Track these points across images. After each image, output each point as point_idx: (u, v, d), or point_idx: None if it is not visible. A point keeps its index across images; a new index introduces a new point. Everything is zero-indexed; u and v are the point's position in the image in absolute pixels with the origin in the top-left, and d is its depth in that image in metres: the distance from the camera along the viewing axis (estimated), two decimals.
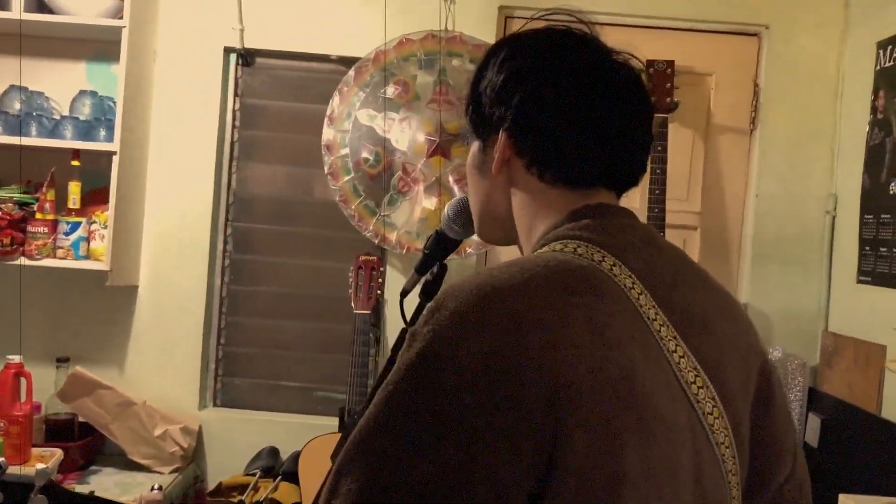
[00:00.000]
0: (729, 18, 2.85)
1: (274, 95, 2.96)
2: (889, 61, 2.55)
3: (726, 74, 2.87)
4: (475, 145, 0.99)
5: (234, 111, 2.96)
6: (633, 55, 0.97)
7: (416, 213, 2.76)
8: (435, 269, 1.36)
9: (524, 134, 0.90)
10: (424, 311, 0.77)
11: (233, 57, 2.95)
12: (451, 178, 2.76)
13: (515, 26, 2.88)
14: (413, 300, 1.32)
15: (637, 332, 0.79)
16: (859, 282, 2.63)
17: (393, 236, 2.76)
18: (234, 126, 2.96)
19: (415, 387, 0.73)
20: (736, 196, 2.90)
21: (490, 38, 2.82)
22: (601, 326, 0.76)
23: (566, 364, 0.72)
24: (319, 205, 2.95)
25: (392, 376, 0.75)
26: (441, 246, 1.34)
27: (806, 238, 2.85)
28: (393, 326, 2.89)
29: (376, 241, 2.78)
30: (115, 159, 2.62)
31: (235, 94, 2.96)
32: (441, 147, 2.73)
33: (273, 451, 2.84)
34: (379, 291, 2.74)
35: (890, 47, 2.55)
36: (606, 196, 0.93)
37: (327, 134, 2.78)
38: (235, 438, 2.87)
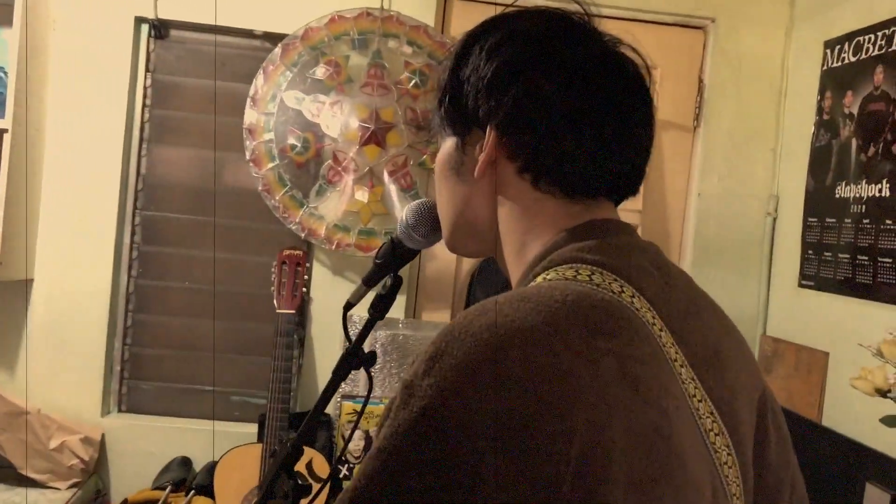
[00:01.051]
0: (675, 10, 2.76)
1: (190, 72, 2.70)
2: (836, 62, 2.50)
3: (671, 68, 2.77)
4: (450, 142, 0.87)
5: (144, 88, 2.69)
6: (634, 47, 0.85)
7: (347, 205, 2.56)
8: (388, 281, 1.19)
9: (519, 133, 0.79)
10: (421, 359, 0.65)
11: (144, 28, 2.67)
12: (385, 170, 2.57)
13: (456, 10, 2.71)
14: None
15: (665, 378, 0.69)
16: (801, 286, 2.58)
17: (321, 230, 2.56)
18: (144, 105, 2.69)
19: (418, 455, 0.60)
20: (678, 195, 2.82)
21: (429, 19, 2.64)
22: (635, 377, 0.65)
23: (599, 426, 0.61)
24: (239, 194, 2.72)
25: (384, 441, 0.62)
26: (396, 255, 1.17)
27: (746, 239, 2.79)
28: (319, 327, 2.69)
29: (303, 235, 2.57)
30: (7, 138, 2.34)
31: (147, 70, 2.69)
32: (376, 135, 2.54)
33: (185, 462, 2.61)
34: (304, 289, 2.53)
35: (838, 47, 2.49)
36: (608, 208, 0.84)
37: (250, 116, 2.55)
38: (143, 448, 2.62)
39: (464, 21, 2.75)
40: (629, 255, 0.77)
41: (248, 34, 2.68)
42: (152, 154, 2.71)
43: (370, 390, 1.35)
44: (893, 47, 2.23)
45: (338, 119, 2.55)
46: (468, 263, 2.75)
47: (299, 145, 2.55)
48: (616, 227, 0.81)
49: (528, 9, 0.87)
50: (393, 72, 2.58)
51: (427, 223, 1.09)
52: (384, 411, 0.67)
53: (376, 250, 1.21)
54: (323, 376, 2.69)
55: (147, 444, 2.62)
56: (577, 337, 0.64)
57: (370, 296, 1.25)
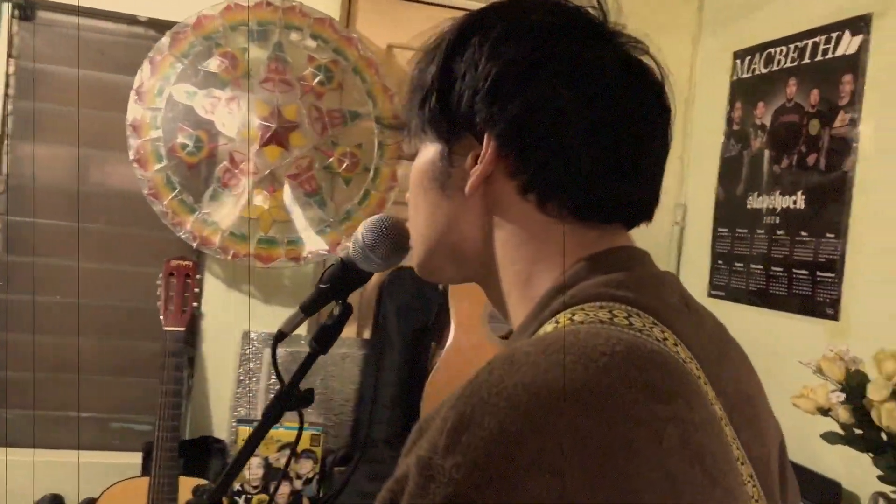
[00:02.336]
0: None
1: (63, 60, 2.40)
2: (747, 72, 2.51)
3: None
4: (433, 149, 0.75)
5: (7, 76, 2.37)
6: (652, 55, 0.75)
7: (244, 211, 2.34)
8: (335, 310, 1.02)
9: (526, 147, 0.69)
10: (439, 428, 0.52)
11: (6, 7, 2.35)
12: (287, 173, 2.37)
13: (362, 2, 2.55)
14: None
15: (723, 448, 0.59)
16: (711, 296, 2.58)
17: (215, 238, 2.33)
18: (6, 95, 2.37)
19: None
20: None
21: (334, 12, 2.46)
22: (699, 450, 0.55)
23: None
24: (121, 197, 2.44)
25: None
26: (346, 280, 1.00)
27: (654, 249, 2.73)
28: (211, 345, 2.45)
29: (194, 244, 2.33)
30: None
31: (10, 56, 2.37)
32: (277, 135, 2.33)
33: (56, 500, 2.31)
34: (195, 304, 2.29)
35: (748, 58, 2.50)
36: (623, 235, 0.74)
37: (134, 112, 2.29)
38: (6, 485, 2.30)
39: (370, 15, 2.59)
40: (659, 291, 0.67)
41: (132, 20, 2.41)
42: (18, 151, 2.39)
43: (300, 433, 1.18)
44: (806, 60, 2.25)
45: (234, 116, 2.33)
46: (375, 274, 2.58)
47: (190, 144, 2.31)
48: (637, 257, 0.71)
49: (534, 0, 0.75)
50: (296, 67, 2.38)
51: (388, 242, 0.94)
52: (384, 493, 0.54)
53: (322, 274, 1.03)
54: (216, 399, 2.45)
55: (11, 480, 2.30)
56: (635, 401, 0.53)
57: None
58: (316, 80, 2.38)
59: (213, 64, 2.32)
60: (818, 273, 2.13)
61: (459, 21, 0.74)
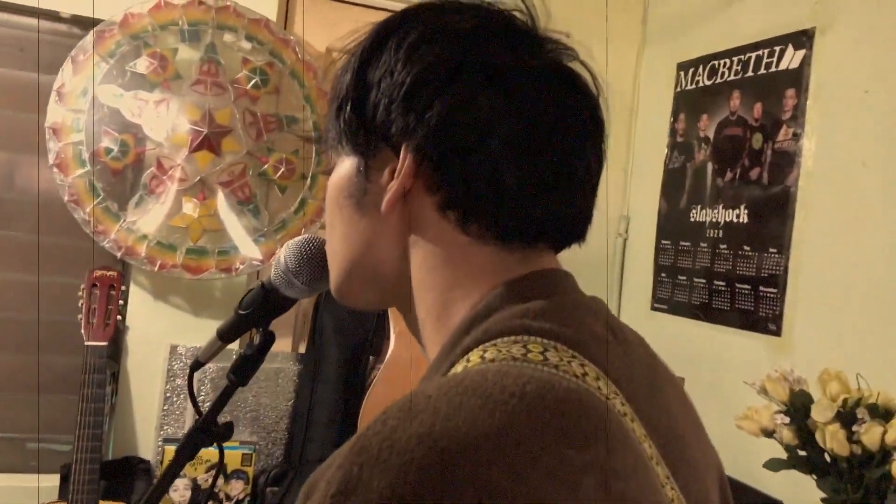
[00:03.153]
0: None
1: None
2: (690, 84, 2.49)
3: None
4: (349, 163, 0.69)
5: None
6: (583, 62, 0.69)
7: (172, 220, 2.23)
8: (256, 338, 0.94)
9: (444, 159, 0.63)
10: (322, 493, 0.46)
11: None
12: (219, 180, 2.26)
13: (300, 3, 2.46)
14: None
15: (651, 493, 0.54)
16: (654, 309, 2.55)
17: (141, 248, 2.21)
18: None
19: None
20: None
21: (270, 13, 2.36)
22: (621, 499, 0.50)
23: None
24: (39, 204, 2.29)
25: None
26: (268, 305, 0.92)
27: (596, 261, 2.72)
28: (136, 360, 2.33)
29: (118, 254, 2.20)
30: None
31: None
32: (209, 140, 2.23)
33: None
34: (119, 317, 2.17)
35: (692, 70, 2.48)
36: (549, 257, 0.68)
37: (55, 114, 2.15)
38: None
39: (309, 16, 2.49)
40: (582, 319, 0.62)
41: (54, 16, 2.27)
42: None
43: (220, 468, 1.09)
44: (749, 73, 2.24)
45: (163, 120, 2.21)
46: None
47: (115, 149, 2.19)
48: (559, 281, 0.66)
49: (457, 1, 0.69)
50: (229, 69, 2.28)
51: (311, 267, 0.86)
52: None
53: (241, 298, 0.95)
54: (141, 417, 2.33)
55: None
56: (546, 448, 0.48)
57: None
58: (251, 84, 2.28)
59: (141, 65, 2.20)
60: (761, 288, 2.11)
61: (376, 26, 0.69)
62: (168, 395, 2.31)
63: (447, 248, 0.65)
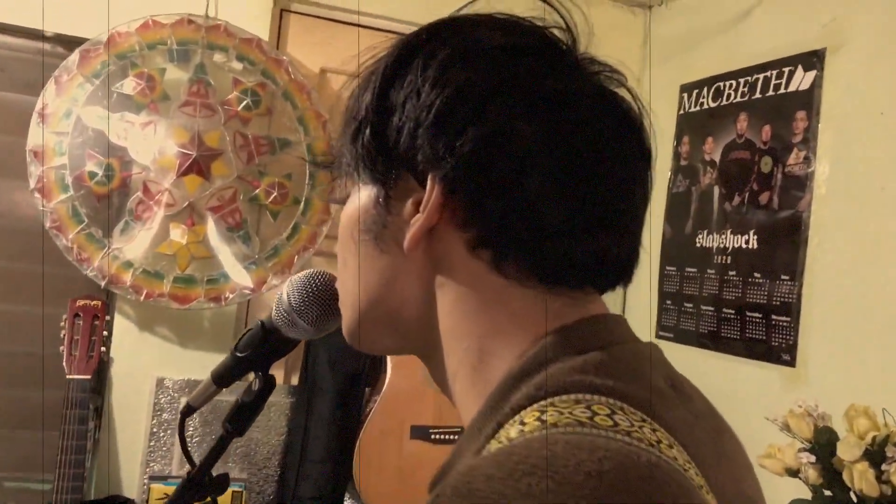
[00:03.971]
0: None
1: None
2: (694, 106, 2.43)
3: None
4: (365, 193, 0.63)
5: None
6: (628, 87, 0.64)
7: (159, 247, 2.13)
8: (256, 383, 0.85)
9: (479, 192, 0.57)
10: None
11: None
12: (209, 205, 2.17)
13: (294, 23, 2.39)
14: None
15: None
16: (658, 337, 2.47)
17: (126, 277, 2.11)
18: None
19: None
20: None
21: (262, 32, 2.29)
22: None
23: None
24: (19, 231, 2.20)
25: None
26: (268, 347, 0.83)
27: None
28: (121, 394, 2.22)
29: (102, 283, 2.10)
30: None
31: None
32: (198, 163, 2.14)
33: None
34: (103, 348, 2.07)
35: (696, 91, 2.42)
36: (596, 300, 0.62)
37: (36, 136, 2.06)
38: None
39: (303, 36, 2.42)
40: (644, 373, 0.56)
41: (37, 35, 2.19)
42: None
43: None
44: (757, 94, 2.17)
45: (150, 143, 2.12)
46: None
47: (100, 173, 2.10)
48: (615, 329, 0.59)
49: (490, 17, 0.63)
50: (219, 90, 2.19)
51: (318, 305, 0.78)
52: None
53: (239, 339, 0.86)
54: (125, 454, 2.22)
55: None
56: None
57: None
58: (242, 105, 2.20)
59: (128, 85, 2.12)
60: (773, 316, 2.03)
61: (399, 41, 0.62)
62: (154, 430, 2.20)
63: (481, 290, 0.58)
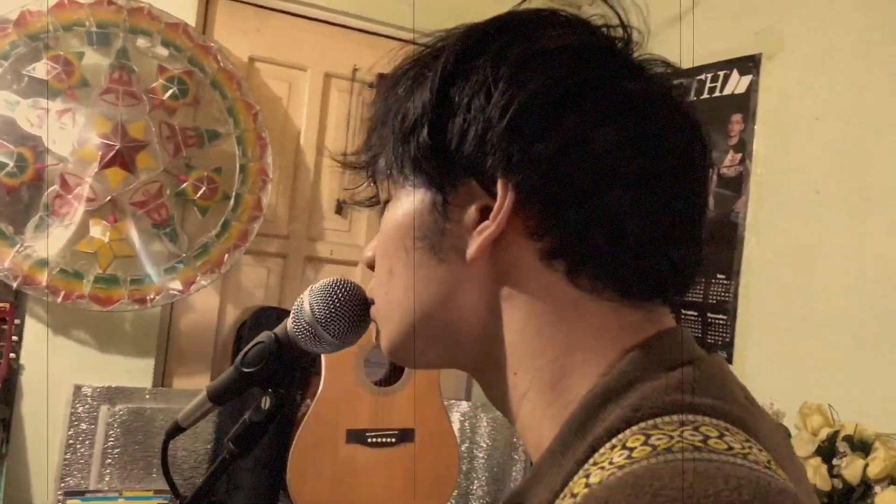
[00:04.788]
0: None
1: None
2: None
3: None
4: (419, 198, 0.59)
5: None
6: (686, 88, 0.62)
7: (78, 244, 1.98)
8: (265, 402, 0.78)
9: (557, 201, 0.54)
10: None
11: None
12: (132, 200, 2.03)
13: (222, 8, 2.27)
14: None
15: None
16: None
17: (41, 277, 1.94)
18: None
19: None
20: None
21: (188, 17, 2.16)
22: None
23: None
24: None
25: None
26: (280, 362, 0.76)
27: None
28: (32, 403, 2.05)
29: (14, 284, 1.93)
30: None
31: None
32: (121, 155, 1.99)
33: None
34: (11, 354, 1.90)
35: None
36: (667, 314, 0.59)
37: None
38: None
39: (231, 20, 2.30)
40: (730, 388, 0.53)
41: None
42: None
43: None
44: (692, 97, 2.21)
45: (68, 132, 1.96)
46: (232, 316, 2.28)
47: (10, 164, 1.92)
48: (689, 342, 0.56)
49: (554, 12, 0.59)
50: (143, 77, 2.05)
51: (346, 316, 0.71)
52: None
53: (244, 353, 0.78)
54: (37, 465, 2.05)
55: None
56: None
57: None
58: (168, 94, 2.07)
59: (42, 69, 1.95)
60: (709, 314, 2.08)
61: (459, 37, 0.58)
62: (71, 442, 2.04)
63: (556, 303, 0.55)
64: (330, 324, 0.70)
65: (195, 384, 2.22)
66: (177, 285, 2.05)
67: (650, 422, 0.49)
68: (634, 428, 0.49)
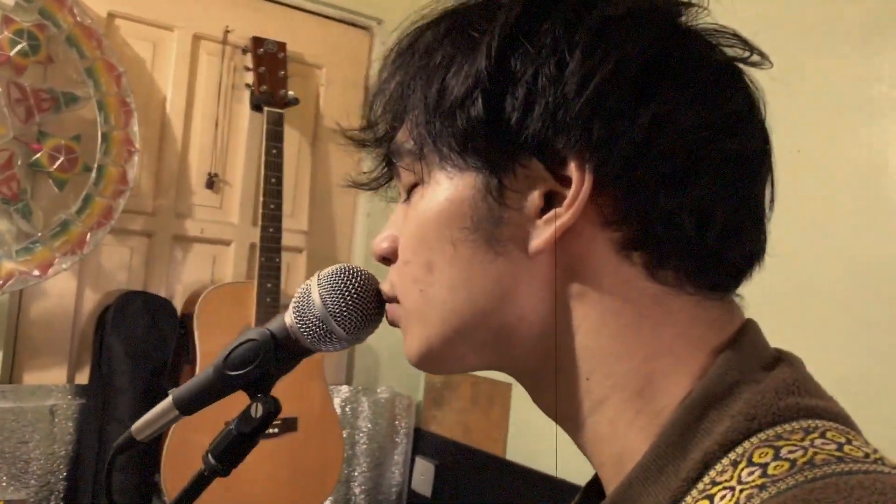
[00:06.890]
0: (341, 3, 2.42)
1: None
2: None
3: (338, 70, 2.44)
4: (470, 182, 0.52)
5: None
6: (756, 57, 0.56)
7: None
8: (255, 409, 0.66)
9: (644, 187, 0.49)
10: None
11: None
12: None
13: None
14: None
15: None
16: None
17: None
18: None
19: None
20: (345, 215, 2.49)
21: None
22: None
23: None
24: None
25: None
26: (274, 362, 0.64)
27: None
28: None
29: None
30: None
31: None
32: None
33: None
34: None
35: None
36: (738, 307, 0.56)
37: None
38: None
39: None
40: (816, 381, 0.51)
41: None
42: None
43: None
44: None
45: None
46: (92, 301, 2.05)
47: None
48: (763, 337, 0.54)
49: None
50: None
51: (361, 309, 0.61)
52: None
53: (227, 353, 0.65)
54: None
55: None
56: None
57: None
58: (16, 50, 1.80)
59: None
60: None
61: None
62: None
63: (636, 300, 0.51)
64: (344, 318, 0.61)
65: (51, 378, 1.98)
66: (33, 270, 1.81)
67: (770, 432, 0.45)
68: (754, 440, 0.45)
